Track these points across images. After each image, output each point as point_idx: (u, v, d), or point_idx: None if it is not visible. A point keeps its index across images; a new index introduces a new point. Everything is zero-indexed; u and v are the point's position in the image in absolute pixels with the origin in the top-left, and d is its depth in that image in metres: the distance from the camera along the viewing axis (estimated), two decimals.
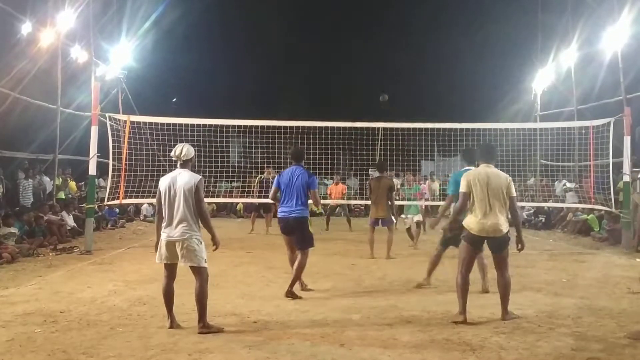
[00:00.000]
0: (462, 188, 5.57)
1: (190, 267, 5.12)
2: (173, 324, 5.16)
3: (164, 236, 5.13)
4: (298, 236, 6.67)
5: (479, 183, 5.47)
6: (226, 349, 4.59)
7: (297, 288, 6.70)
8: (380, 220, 9.91)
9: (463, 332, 5.08)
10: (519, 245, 5.56)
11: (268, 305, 6.08)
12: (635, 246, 5.58)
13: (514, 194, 5.54)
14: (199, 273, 5.10)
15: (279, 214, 6.78)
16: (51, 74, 13.53)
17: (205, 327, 5.04)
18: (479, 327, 5.24)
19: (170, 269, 5.20)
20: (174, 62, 21.66)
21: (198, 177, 5.17)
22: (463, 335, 4.98)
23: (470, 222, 5.50)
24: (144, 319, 5.48)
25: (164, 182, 5.19)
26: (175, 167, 5.34)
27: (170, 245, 5.10)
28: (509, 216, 5.55)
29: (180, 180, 5.12)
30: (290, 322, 5.44)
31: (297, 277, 6.63)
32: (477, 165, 5.81)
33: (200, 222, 5.18)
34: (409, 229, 11.78)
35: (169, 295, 5.18)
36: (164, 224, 5.14)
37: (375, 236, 9.87)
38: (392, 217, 10.00)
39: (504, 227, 5.43)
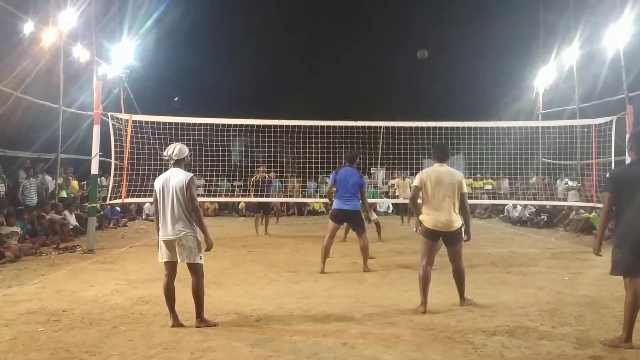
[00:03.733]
0: (415, 182, 6.00)
1: (187, 264, 5.18)
2: (175, 323, 5.17)
3: (161, 236, 5.19)
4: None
5: (431, 181, 5.83)
6: (228, 348, 4.59)
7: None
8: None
9: (465, 330, 5.08)
10: (466, 237, 5.96)
11: (270, 304, 6.09)
12: (597, 249, 5.40)
13: (465, 190, 5.93)
14: (195, 270, 5.20)
15: None
16: (53, 74, 13.55)
17: (203, 322, 5.16)
18: (481, 326, 5.23)
19: (171, 267, 5.24)
20: (175, 61, 21.68)
21: (190, 174, 5.21)
22: (465, 333, 4.98)
23: (425, 217, 5.86)
24: (146, 318, 5.49)
25: (158, 183, 5.26)
26: (169, 167, 5.37)
27: (169, 243, 5.16)
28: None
29: (173, 179, 5.17)
30: (293, 321, 5.44)
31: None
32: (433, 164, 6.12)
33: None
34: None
35: (170, 294, 5.20)
36: (160, 224, 5.20)
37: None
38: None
39: (457, 222, 5.80)
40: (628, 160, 10.95)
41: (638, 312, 4.58)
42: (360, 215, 8.49)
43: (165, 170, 5.37)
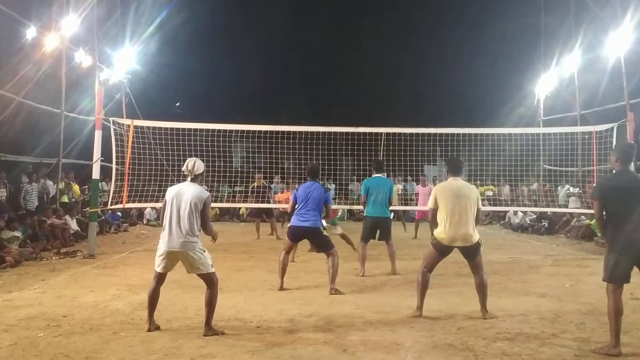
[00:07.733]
0: (430, 205, 5.93)
1: (199, 275, 5.18)
2: (152, 327, 5.23)
3: (164, 246, 5.15)
4: None
5: (447, 196, 5.76)
6: (229, 354, 4.59)
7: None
8: None
9: (466, 337, 5.07)
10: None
11: (271, 310, 6.08)
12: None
13: (481, 206, 5.96)
14: (210, 279, 5.18)
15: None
16: (55, 79, 13.58)
17: (210, 330, 5.14)
18: (482, 333, 5.22)
19: (162, 276, 5.29)
20: (177, 67, 21.72)
21: (207, 193, 5.21)
22: (466, 340, 4.97)
23: (441, 233, 5.76)
24: (146, 324, 5.48)
25: (170, 192, 5.24)
26: (184, 179, 5.37)
27: (171, 255, 5.15)
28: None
29: (188, 193, 5.14)
30: (293, 327, 5.43)
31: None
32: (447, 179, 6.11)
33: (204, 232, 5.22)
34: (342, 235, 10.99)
35: (154, 300, 5.26)
36: (163, 233, 5.18)
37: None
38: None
39: (475, 236, 5.75)
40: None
41: (621, 318, 4.69)
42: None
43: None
